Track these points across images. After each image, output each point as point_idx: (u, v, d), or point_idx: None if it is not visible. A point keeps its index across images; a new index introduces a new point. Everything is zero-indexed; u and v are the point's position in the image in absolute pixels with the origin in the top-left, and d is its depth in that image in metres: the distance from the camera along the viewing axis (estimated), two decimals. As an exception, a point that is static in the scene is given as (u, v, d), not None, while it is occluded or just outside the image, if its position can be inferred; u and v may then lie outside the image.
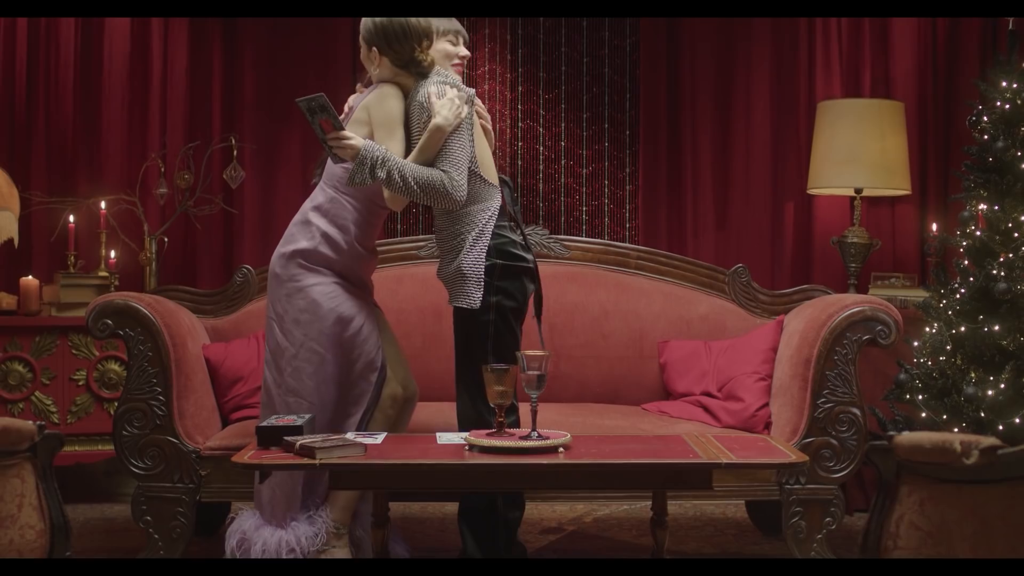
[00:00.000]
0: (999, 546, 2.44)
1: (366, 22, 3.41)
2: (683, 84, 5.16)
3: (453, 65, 3.51)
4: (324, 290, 3.35)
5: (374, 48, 3.39)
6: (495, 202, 3.35)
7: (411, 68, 3.38)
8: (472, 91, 3.40)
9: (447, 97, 3.25)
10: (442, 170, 3.22)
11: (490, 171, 3.38)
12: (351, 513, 3.42)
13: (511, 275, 3.33)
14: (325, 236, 3.38)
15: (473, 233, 3.30)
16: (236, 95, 5.04)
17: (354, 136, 3.22)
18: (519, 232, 3.41)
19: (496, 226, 3.33)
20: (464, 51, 3.54)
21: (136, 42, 4.96)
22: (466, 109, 3.28)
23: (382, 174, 3.18)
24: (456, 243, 3.32)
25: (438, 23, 3.47)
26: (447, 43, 3.49)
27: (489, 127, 3.53)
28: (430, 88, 3.28)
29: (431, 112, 3.24)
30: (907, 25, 5.03)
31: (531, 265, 3.39)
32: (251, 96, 5.03)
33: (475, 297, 3.28)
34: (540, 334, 3.46)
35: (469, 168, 3.29)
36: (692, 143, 5.15)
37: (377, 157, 3.18)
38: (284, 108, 4.96)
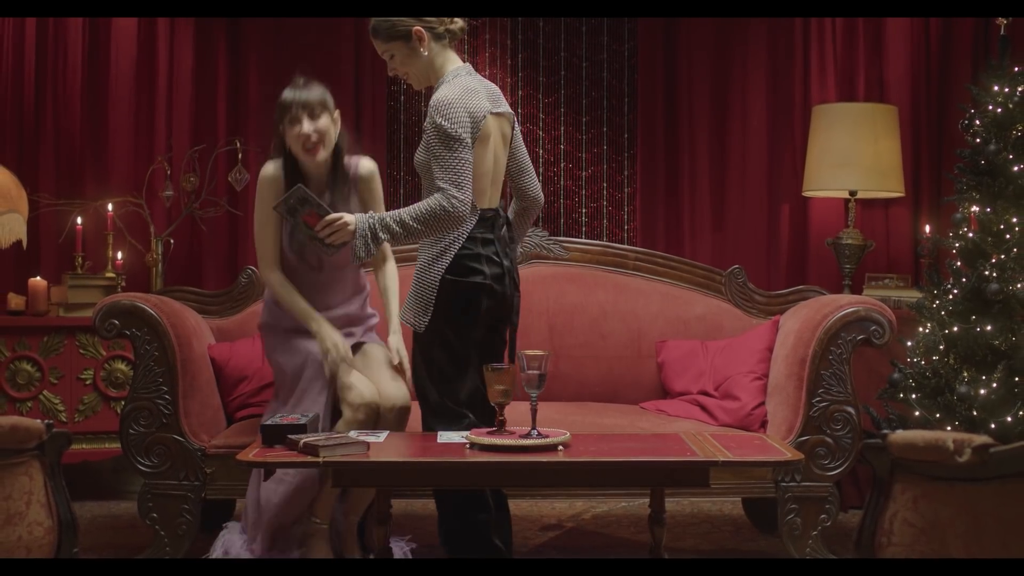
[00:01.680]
0: (991, 543, 2.46)
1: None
2: (680, 88, 5.18)
3: (306, 151, 3.40)
4: (281, 353, 3.53)
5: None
6: (469, 225, 3.12)
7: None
8: (509, 114, 3.27)
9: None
10: (439, 188, 3.03)
11: (478, 190, 3.14)
12: (330, 508, 3.48)
13: (464, 294, 3.12)
14: (267, 303, 3.59)
15: (435, 250, 3.13)
16: (241, 99, 5.07)
17: (343, 215, 3.11)
18: (503, 268, 3.18)
19: (474, 248, 3.12)
20: (306, 128, 3.38)
21: (142, 46, 4.98)
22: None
23: (386, 236, 3.06)
24: (421, 255, 3.17)
25: (283, 96, 3.42)
26: (287, 123, 3.41)
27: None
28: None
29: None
30: (900, 30, 5.05)
31: (492, 285, 3.15)
32: (256, 99, 5.05)
33: (421, 321, 3.13)
34: (509, 352, 3.29)
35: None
36: (689, 146, 5.18)
37: (373, 223, 3.07)
38: (288, 112, 5.00)
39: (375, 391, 3.42)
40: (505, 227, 3.26)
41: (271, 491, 3.42)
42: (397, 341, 3.54)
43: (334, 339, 3.44)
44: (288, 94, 3.44)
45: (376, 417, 3.42)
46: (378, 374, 3.48)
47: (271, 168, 3.49)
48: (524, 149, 3.39)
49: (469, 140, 3.06)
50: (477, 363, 3.16)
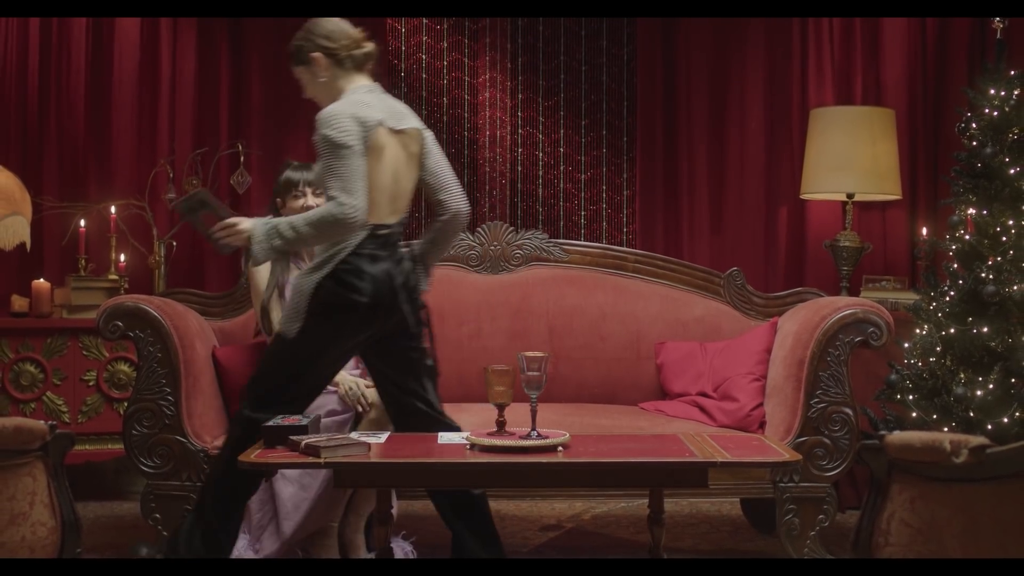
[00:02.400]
0: (987, 543, 2.47)
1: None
2: (679, 92, 5.19)
3: None
4: None
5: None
6: (356, 239, 3.14)
7: None
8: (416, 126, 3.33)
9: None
10: (330, 196, 3.06)
11: (376, 209, 3.16)
12: (342, 506, 3.52)
13: (336, 306, 3.14)
14: None
15: (320, 259, 3.15)
16: (243, 102, 5.08)
17: (242, 219, 3.17)
18: (391, 287, 3.19)
19: (359, 264, 3.14)
20: (310, 201, 3.67)
21: (145, 49, 5.00)
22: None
23: (280, 242, 3.11)
24: (314, 259, 3.20)
25: (287, 175, 3.71)
26: (291, 198, 3.70)
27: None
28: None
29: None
30: (897, 33, 5.07)
31: (369, 303, 3.15)
32: (258, 103, 5.07)
33: (291, 327, 3.17)
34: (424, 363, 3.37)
35: None
36: (688, 149, 5.19)
37: (269, 228, 3.11)
38: (290, 115, 5.02)
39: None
40: (401, 244, 3.29)
41: (299, 498, 3.47)
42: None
43: (348, 383, 3.62)
44: (293, 174, 3.73)
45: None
46: None
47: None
48: (444, 165, 3.40)
49: (358, 147, 3.09)
50: (327, 375, 3.28)
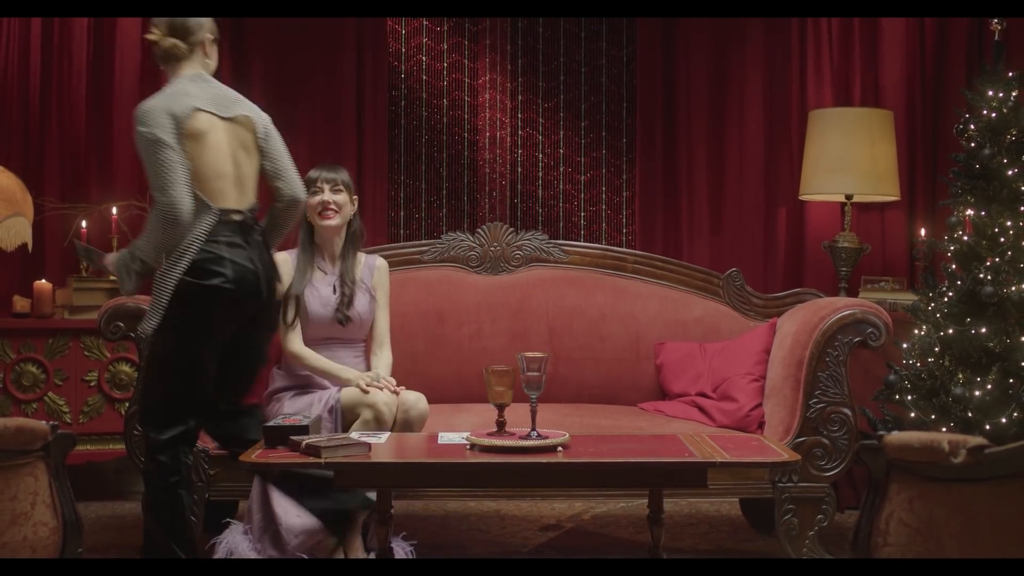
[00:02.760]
0: (985, 542, 2.48)
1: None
2: (679, 93, 5.20)
3: (319, 215, 3.79)
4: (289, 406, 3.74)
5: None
6: (205, 223, 3.16)
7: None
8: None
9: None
10: (150, 197, 3.17)
11: (215, 191, 3.21)
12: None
13: (200, 297, 3.15)
14: (281, 372, 3.91)
15: (175, 254, 3.15)
16: (244, 103, 5.11)
17: (108, 257, 3.31)
18: (251, 271, 3.22)
19: (217, 251, 3.16)
20: (325, 196, 3.79)
21: (147, 51, 4.92)
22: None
23: (137, 265, 3.19)
24: (166, 259, 3.19)
25: (309, 173, 3.78)
26: (310, 194, 3.74)
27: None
28: None
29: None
30: (896, 35, 5.07)
31: (234, 288, 3.17)
32: (258, 103, 5.04)
33: (150, 324, 3.17)
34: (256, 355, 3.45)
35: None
36: (687, 150, 5.19)
37: (121, 257, 3.22)
38: (291, 117, 5.01)
39: (394, 397, 3.59)
40: (258, 231, 3.32)
41: (296, 520, 3.48)
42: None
43: (364, 376, 3.68)
44: (312, 172, 3.84)
45: (394, 421, 3.57)
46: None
47: (281, 255, 3.76)
48: (281, 152, 3.44)
49: (169, 140, 3.12)
50: (212, 369, 3.25)
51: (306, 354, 3.76)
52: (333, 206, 3.79)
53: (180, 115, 3.15)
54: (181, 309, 3.14)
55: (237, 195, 3.26)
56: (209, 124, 3.22)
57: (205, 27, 3.33)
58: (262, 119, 3.41)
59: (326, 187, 3.81)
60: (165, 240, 3.12)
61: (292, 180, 3.43)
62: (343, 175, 3.86)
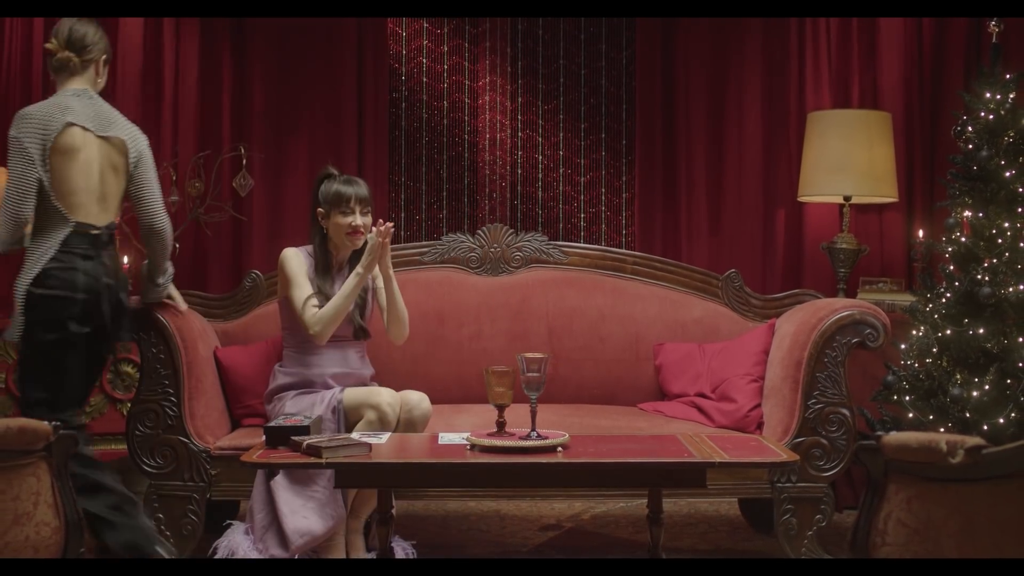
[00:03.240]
0: (983, 542, 2.46)
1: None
2: (678, 95, 5.20)
3: (350, 237, 3.69)
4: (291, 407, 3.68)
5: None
6: (60, 234, 3.28)
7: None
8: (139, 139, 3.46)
9: None
10: None
11: (75, 204, 3.31)
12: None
13: (47, 306, 3.25)
14: (283, 365, 3.83)
15: (29, 261, 3.28)
16: (245, 106, 5.09)
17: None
18: (99, 288, 3.32)
19: (69, 262, 3.27)
20: (358, 221, 3.68)
21: (148, 54, 5.01)
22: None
23: (19, 296, 3.27)
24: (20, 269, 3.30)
25: (337, 188, 3.69)
26: (339, 213, 3.68)
27: None
28: None
29: None
30: (894, 38, 5.08)
31: (81, 299, 3.28)
32: (260, 107, 5.07)
33: (14, 331, 3.28)
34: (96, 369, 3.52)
35: (41, 195, 3.27)
36: (686, 152, 5.19)
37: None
38: (292, 119, 5.04)
39: (397, 397, 3.57)
40: (114, 247, 3.41)
41: (302, 521, 3.48)
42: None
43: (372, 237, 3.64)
44: (344, 188, 3.71)
45: (397, 421, 3.54)
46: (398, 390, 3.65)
47: (292, 250, 3.75)
48: (148, 179, 3.48)
49: (33, 151, 3.23)
50: (78, 369, 3.32)
51: (322, 311, 3.64)
52: (363, 230, 3.71)
53: (53, 128, 3.26)
54: (34, 315, 3.25)
55: (98, 211, 3.37)
56: (83, 140, 3.31)
57: (100, 47, 3.42)
58: (137, 144, 3.45)
59: (357, 208, 3.71)
60: (8, 242, 3.27)
61: (150, 208, 3.48)
62: (369, 191, 3.77)
